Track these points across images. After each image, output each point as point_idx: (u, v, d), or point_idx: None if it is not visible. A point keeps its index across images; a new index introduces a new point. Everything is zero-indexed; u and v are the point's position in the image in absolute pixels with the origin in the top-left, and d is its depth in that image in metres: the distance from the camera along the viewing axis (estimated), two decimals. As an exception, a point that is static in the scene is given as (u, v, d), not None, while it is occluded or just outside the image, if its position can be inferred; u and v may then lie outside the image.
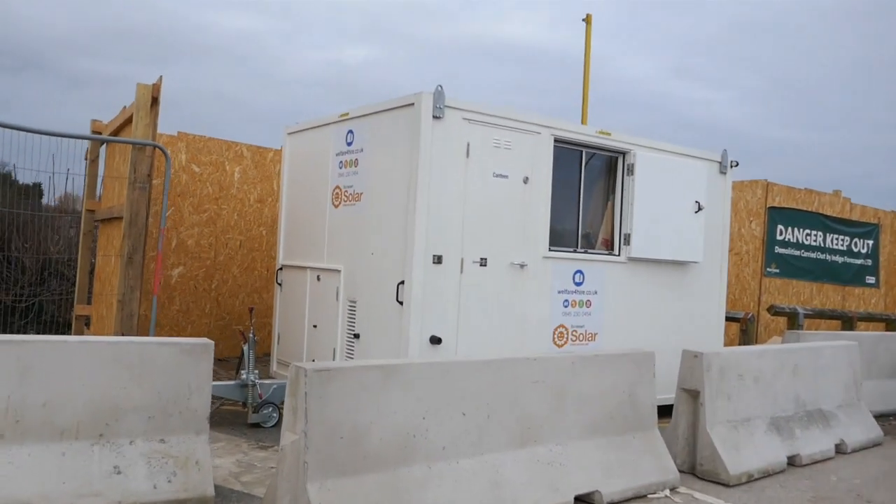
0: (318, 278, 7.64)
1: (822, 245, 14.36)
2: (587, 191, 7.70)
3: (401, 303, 6.38)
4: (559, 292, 7.27)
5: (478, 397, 4.72)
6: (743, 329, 11.65)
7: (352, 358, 7.02)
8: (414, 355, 6.29)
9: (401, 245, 6.46)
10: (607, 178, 7.95)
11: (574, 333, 7.39)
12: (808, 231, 14.04)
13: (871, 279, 15.47)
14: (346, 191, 7.33)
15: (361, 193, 7.11)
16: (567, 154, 7.47)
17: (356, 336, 6.94)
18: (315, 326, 7.62)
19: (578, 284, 7.42)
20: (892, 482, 6.41)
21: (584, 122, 11.36)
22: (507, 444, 4.83)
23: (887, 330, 13.89)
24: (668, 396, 7.16)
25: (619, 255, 7.80)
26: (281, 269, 8.44)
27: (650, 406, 5.83)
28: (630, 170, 7.80)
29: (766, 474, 6.25)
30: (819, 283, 14.41)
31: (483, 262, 6.72)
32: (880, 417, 8.98)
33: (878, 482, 6.38)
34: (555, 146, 7.24)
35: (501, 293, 6.85)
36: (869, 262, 15.35)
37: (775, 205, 13.42)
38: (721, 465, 5.91)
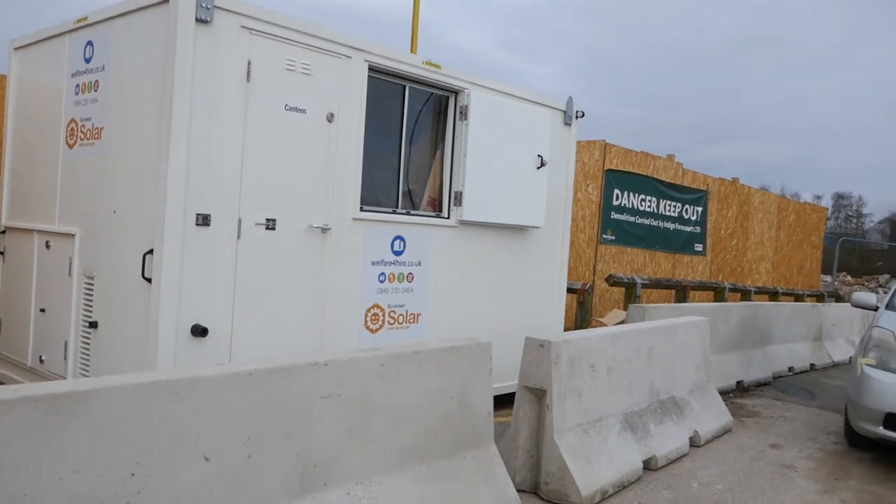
0: (48, 245, 5.60)
1: (656, 211, 13.88)
2: (411, 137, 6.18)
3: (149, 280, 4.56)
4: (374, 263, 5.73)
5: (232, 429, 3.08)
6: (580, 301, 10.77)
7: (87, 354, 5.11)
8: (167, 352, 4.51)
9: (151, 200, 4.62)
10: (436, 122, 6.46)
11: (392, 315, 5.90)
12: (643, 196, 13.47)
13: (699, 247, 15.31)
14: (84, 125, 5.33)
15: (102, 129, 5.14)
16: (386, 88, 5.89)
17: (93, 325, 5.03)
18: (43, 311, 5.59)
19: (398, 254, 5.91)
20: (755, 484, 5.51)
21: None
22: (279, 495, 3.24)
23: (716, 298, 13.68)
24: (504, 385, 5.94)
25: (448, 217, 6.36)
26: (3, 232, 6.25)
27: (486, 414, 4.45)
28: (463, 113, 6.36)
29: (622, 486, 5.11)
30: (652, 250, 13.95)
31: (270, 225, 5.02)
32: (722, 394, 8.32)
33: (742, 486, 5.46)
34: (370, 76, 5.63)
35: (296, 265, 5.20)
36: (698, 229, 15.15)
37: (613, 167, 12.66)
38: (571, 485, 4.66)
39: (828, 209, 25.21)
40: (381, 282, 5.78)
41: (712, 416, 6.89)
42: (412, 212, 6.12)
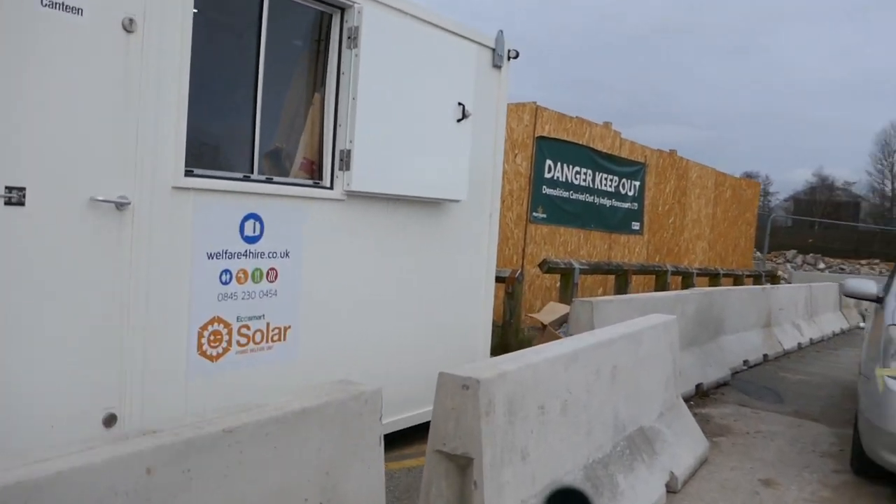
0: None
1: (591, 185, 12.32)
2: (274, 71, 4.25)
3: None
4: (212, 256, 3.80)
5: None
6: (509, 292, 9.07)
7: None
8: None
9: None
10: (314, 50, 4.56)
11: (244, 332, 3.99)
12: (577, 168, 11.86)
13: (636, 225, 13.88)
14: None
15: None
16: (230, -6, 3.95)
17: None
18: None
19: (252, 240, 3.99)
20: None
21: None
22: None
23: (657, 283, 12.28)
24: (412, 415, 4.18)
25: (330, 187, 4.47)
26: None
27: (373, 511, 2.64)
28: (352, 38, 4.46)
29: (587, 586, 3.39)
30: (586, 230, 12.40)
31: (15, 198, 3.04)
32: (684, 406, 6.76)
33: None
34: (202, -28, 3.68)
35: (68, 262, 3.23)
36: (635, 205, 13.71)
37: (545, 135, 10.98)
38: None
39: (761, 185, 24.44)
40: (225, 283, 3.86)
41: (686, 445, 5.29)
42: (275, 179, 4.20)
